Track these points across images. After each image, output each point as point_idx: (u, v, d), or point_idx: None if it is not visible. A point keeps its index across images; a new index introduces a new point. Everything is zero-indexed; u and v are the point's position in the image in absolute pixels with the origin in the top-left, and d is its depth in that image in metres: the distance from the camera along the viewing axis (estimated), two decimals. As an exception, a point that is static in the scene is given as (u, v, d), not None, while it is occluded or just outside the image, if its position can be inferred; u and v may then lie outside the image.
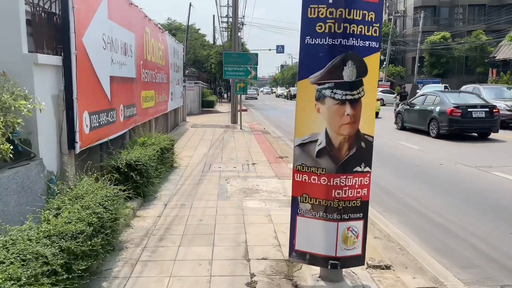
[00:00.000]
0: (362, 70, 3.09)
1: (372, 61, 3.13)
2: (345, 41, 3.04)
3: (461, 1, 49.99)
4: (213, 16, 57.53)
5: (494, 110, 12.39)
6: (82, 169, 4.58)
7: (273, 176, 7.00)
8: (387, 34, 49.55)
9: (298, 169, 3.31)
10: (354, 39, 3.05)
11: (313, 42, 3.09)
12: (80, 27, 4.57)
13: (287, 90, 56.10)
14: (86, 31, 4.75)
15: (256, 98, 49.15)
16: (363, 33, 3.06)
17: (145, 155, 5.65)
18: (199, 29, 44.29)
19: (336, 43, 3.04)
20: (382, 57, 49.34)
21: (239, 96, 15.38)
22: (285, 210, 5.01)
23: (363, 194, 3.27)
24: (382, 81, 44.28)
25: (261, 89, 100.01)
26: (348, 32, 3.02)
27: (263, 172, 7.36)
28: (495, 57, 28.72)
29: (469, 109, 12.22)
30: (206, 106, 28.19)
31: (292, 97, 51.78)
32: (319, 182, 3.22)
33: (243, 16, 39.53)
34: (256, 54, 14.44)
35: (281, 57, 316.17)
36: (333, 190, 3.19)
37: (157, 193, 5.82)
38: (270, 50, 42.22)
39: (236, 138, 12.05)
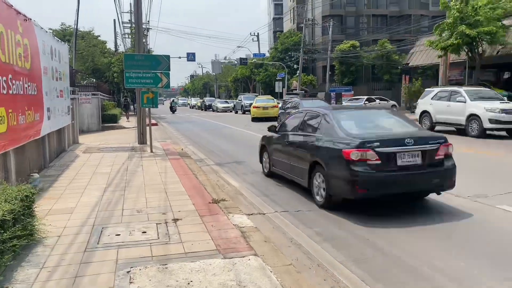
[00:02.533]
0: None
1: None
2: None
3: (365, 11, 51.75)
4: (114, 20, 52.34)
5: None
6: None
7: (212, 252, 4.09)
8: (298, 43, 49.29)
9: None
10: None
11: None
12: None
13: (201, 100, 53.06)
14: None
15: (175, 111, 42.34)
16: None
17: None
18: (98, 35, 39.39)
19: None
20: (295, 66, 48.90)
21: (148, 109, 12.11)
22: None
23: None
24: (296, 89, 43.51)
25: (174, 99, 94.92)
26: None
27: (193, 240, 4.41)
28: (408, 63, 28.99)
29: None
30: (108, 121, 24.13)
31: (207, 107, 48.89)
32: None
33: (148, 21, 35.83)
34: (168, 57, 11.37)
35: (191, 66, 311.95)
36: None
37: None
38: (180, 58, 38.99)
39: (145, 169, 8.85)
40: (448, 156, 5.78)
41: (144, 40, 32.47)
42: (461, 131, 14.58)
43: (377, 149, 5.32)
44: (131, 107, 35.01)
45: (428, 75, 37.49)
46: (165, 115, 39.86)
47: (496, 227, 5.17)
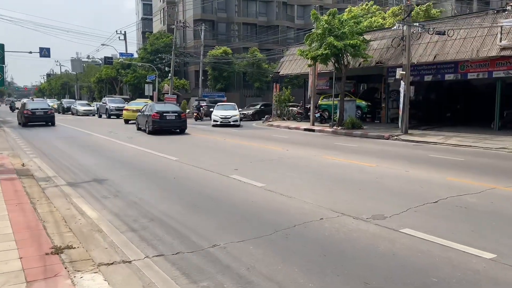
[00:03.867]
0: None
1: None
2: None
3: (236, 18, 52.30)
4: None
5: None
6: None
7: None
8: (169, 45, 47.24)
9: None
10: None
11: None
12: None
13: (59, 102, 46.89)
14: None
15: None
16: None
17: None
18: None
19: None
20: (166, 69, 46.68)
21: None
22: None
23: None
24: (168, 93, 41.48)
25: (24, 100, 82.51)
26: None
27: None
28: (279, 72, 29.62)
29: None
30: None
31: (65, 110, 43.44)
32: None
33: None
34: (2, 46, 8.77)
35: (48, 64, 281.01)
36: None
37: None
38: (31, 53, 33.51)
39: (-42, 197, 6.37)
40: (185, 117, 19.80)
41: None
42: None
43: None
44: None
45: (295, 84, 39.41)
46: (12, 118, 33.92)
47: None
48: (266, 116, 29.69)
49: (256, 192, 7.48)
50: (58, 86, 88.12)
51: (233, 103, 28.83)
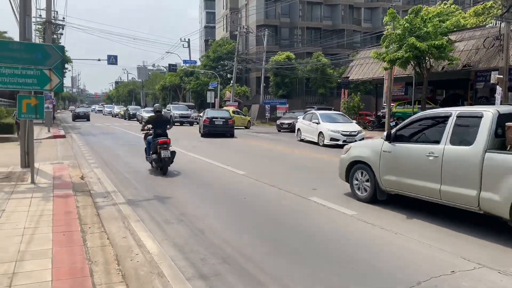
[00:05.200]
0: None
1: None
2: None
3: (299, 23, 50.96)
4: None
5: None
6: None
7: None
8: (231, 52, 46.94)
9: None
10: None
11: None
12: None
13: (125, 108, 48.20)
14: None
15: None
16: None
17: None
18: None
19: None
20: (228, 76, 46.39)
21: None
22: None
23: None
24: (230, 101, 40.99)
25: (94, 107, 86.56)
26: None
27: None
28: (348, 77, 27.75)
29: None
30: (1, 131, 19.59)
31: (131, 116, 44.43)
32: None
33: (63, 18, 31.09)
34: (61, 48, 8.09)
35: (116, 72, 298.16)
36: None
37: None
38: (99, 60, 34.60)
39: (4, 219, 5.51)
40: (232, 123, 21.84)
41: (54, 36, 27.90)
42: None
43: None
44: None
45: (361, 90, 37.08)
46: (80, 124, 35.07)
47: None
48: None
49: (347, 224, 5.98)
50: (125, 93, 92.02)
51: (340, 112, 22.84)
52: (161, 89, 59.46)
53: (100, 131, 25.30)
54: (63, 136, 20.73)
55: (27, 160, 9.56)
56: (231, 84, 42.76)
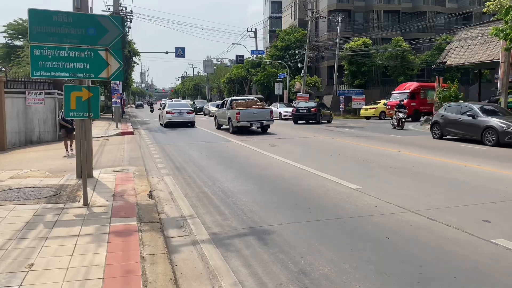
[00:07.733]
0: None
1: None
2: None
3: (375, 6, 46.73)
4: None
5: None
6: None
7: None
8: (300, 40, 43.98)
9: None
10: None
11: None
12: None
13: (191, 102, 47.30)
14: None
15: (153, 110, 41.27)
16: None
17: None
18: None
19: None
20: (299, 65, 43.54)
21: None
22: None
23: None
24: (300, 92, 38.14)
25: (163, 100, 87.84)
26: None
27: None
28: (445, 62, 23.76)
29: None
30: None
31: (198, 110, 43.24)
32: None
33: (131, 10, 30.30)
34: (118, 19, 5.93)
35: (182, 67, 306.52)
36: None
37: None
38: (167, 53, 33.42)
39: (33, 278, 3.37)
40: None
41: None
42: None
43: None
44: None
45: (452, 78, 32.47)
46: (149, 119, 34.28)
47: None
48: (425, 116, 24.18)
49: None
50: (191, 87, 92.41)
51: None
52: (226, 82, 57.98)
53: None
54: (131, 133, 19.38)
55: (83, 169, 7.62)
56: (301, 75, 39.87)
